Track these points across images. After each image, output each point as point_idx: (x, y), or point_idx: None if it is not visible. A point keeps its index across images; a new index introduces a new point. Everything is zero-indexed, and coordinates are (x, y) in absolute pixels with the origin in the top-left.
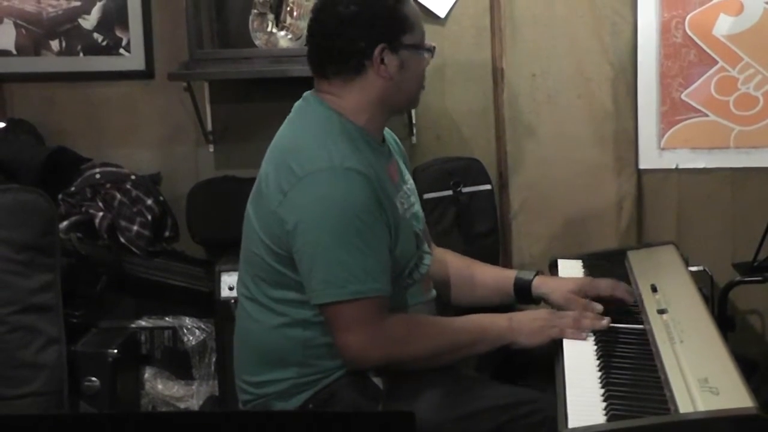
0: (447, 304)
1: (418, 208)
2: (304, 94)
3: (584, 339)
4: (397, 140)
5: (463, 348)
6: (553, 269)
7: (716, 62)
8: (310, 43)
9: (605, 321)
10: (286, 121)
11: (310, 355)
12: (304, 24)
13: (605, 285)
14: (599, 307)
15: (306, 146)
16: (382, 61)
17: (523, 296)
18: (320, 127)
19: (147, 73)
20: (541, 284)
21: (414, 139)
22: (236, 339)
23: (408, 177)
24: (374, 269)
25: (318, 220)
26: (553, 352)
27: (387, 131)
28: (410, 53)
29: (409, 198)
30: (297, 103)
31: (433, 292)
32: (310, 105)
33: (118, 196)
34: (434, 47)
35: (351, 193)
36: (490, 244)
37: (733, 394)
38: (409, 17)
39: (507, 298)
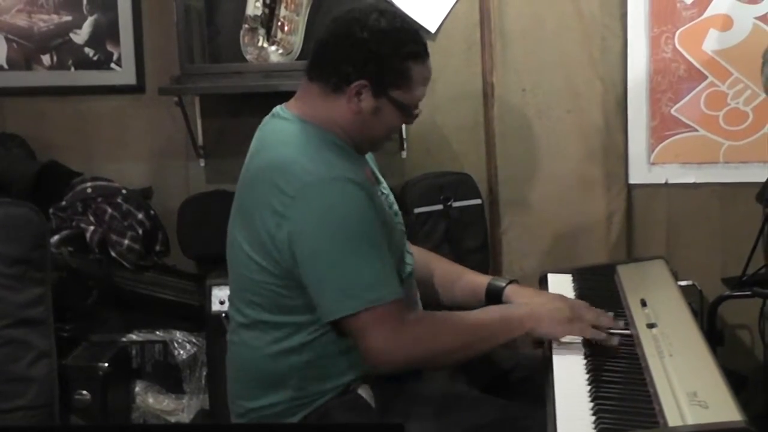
0: (436, 306)
1: (396, 207)
2: (274, 109)
3: (604, 338)
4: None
5: (485, 340)
6: (543, 284)
7: (706, 77)
8: (318, 39)
9: (621, 322)
10: (257, 138)
11: (306, 378)
12: (294, 39)
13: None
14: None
15: (290, 162)
16: (358, 94)
17: (494, 303)
18: (299, 139)
19: (138, 88)
20: (512, 293)
21: (404, 153)
22: (230, 364)
23: (381, 179)
24: (384, 274)
25: (320, 235)
26: (543, 366)
27: None
28: (390, 106)
29: (389, 197)
30: (266, 119)
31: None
32: (284, 120)
33: (109, 210)
34: (417, 114)
35: (345, 202)
36: (480, 259)
37: (721, 408)
38: (412, 77)
39: (479, 304)
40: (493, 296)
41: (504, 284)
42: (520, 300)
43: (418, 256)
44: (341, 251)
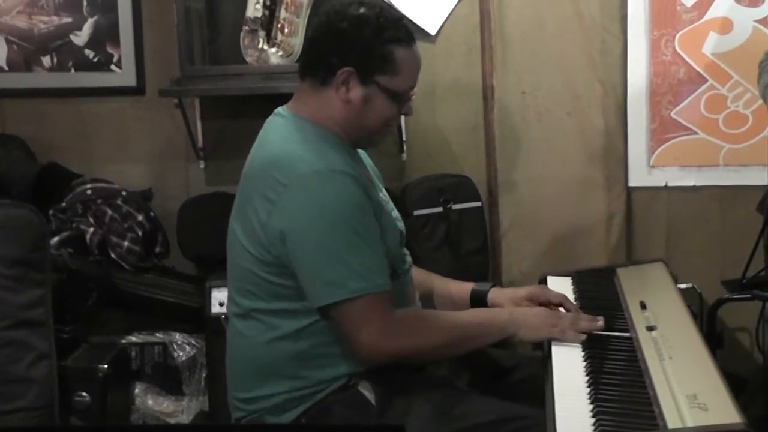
0: None
1: (397, 213)
2: (276, 109)
3: (581, 341)
4: (367, 157)
5: (469, 340)
6: None
7: (706, 80)
8: (305, 38)
9: (600, 322)
10: (260, 135)
11: (302, 367)
12: (294, 41)
13: (555, 294)
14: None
15: (287, 155)
16: (345, 82)
17: (479, 307)
18: (298, 135)
19: (138, 90)
20: (495, 296)
21: (404, 155)
22: (228, 357)
23: (381, 188)
24: (373, 265)
25: (311, 224)
26: (543, 367)
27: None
28: (380, 93)
29: (388, 203)
30: (269, 119)
31: (419, 303)
32: (283, 117)
33: (109, 211)
34: (409, 102)
35: (340, 193)
36: (480, 261)
37: (721, 410)
38: (396, 61)
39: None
40: (478, 301)
41: (487, 289)
42: (503, 299)
43: (418, 277)
44: (331, 240)
